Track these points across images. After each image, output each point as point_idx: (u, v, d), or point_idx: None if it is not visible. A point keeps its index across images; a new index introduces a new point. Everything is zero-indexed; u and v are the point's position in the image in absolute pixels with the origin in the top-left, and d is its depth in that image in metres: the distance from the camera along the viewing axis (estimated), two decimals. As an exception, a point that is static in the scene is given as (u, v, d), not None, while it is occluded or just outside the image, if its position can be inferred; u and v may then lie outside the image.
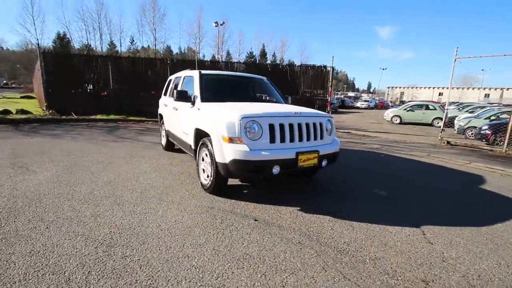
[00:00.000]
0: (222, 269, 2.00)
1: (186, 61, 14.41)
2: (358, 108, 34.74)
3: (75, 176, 3.95)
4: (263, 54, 55.90)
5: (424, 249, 2.40)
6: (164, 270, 1.96)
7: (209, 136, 3.32)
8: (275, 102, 4.47)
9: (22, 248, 2.14)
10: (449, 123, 16.12)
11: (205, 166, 3.53)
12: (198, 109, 3.72)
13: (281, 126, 3.09)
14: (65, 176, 3.96)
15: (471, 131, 11.80)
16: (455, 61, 9.30)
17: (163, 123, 5.94)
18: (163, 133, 6.02)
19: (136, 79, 12.44)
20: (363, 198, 3.60)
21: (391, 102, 44.60)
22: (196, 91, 4.01)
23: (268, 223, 2.76)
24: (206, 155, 3.46)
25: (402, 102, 46.65)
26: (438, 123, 16.52)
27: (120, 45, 52.22)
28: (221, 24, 27.09)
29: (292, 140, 3.14)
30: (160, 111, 5.96)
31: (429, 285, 1.93)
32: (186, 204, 3.14)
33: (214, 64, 14.67)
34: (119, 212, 2.86)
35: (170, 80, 5.81)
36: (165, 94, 6.08)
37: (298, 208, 3.15)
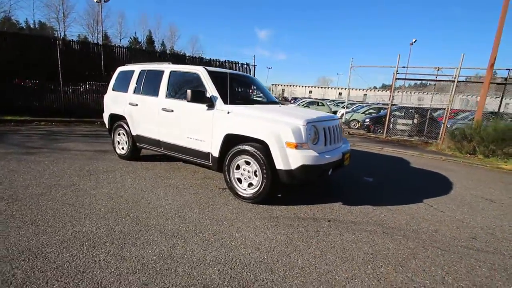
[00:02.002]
0: (373, 272, 2.09)
1: (86, 43, 11.28)
2: (254, 103, 37.62)
3: (47, 213, 2.72)
4: (151, 41, 50.53)
5: (445, 216, 3.28)
6: (332, 290, 1.86)
7: (257, 142, 3.10)
8: (276, 103, 4.52)
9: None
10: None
11: (245, 175, 3.25)
12: (228, 112, 3.33)
13: (328, 129, 3.28)
14: (28, 214, 2.65)
15: (354, 123, 15.40)
16: (351, 68, 11.87)
17: (120, 126, 4.74)
18: (120, 139, 4.83)
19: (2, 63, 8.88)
20: (365, 185, 4.32)
21: (276, 98, 50.65)
22: (212, 91, 3.53)
23: (340, 221, 2.94)
24: (248, 162, 3.20)
25: (284, 98, 54.03)
26: (325, 116, 20.53)
27: None
28: (105, 1, 22.51)
29: (334, 142, 3.40)
30: (118, 111, 4.68)
31: (477, 239, 2.74)
32: (248, 219, 2.84)
33: (84, 46, 10.99)
34: (192, 245, 2.30)
35: (131, 72, 4.67)
36: (116, 89, 4.87)
37: (340, 203, 3.47)
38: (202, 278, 1.90)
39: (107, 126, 5.10)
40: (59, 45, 9.73)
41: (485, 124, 7.38)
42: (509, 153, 6.54)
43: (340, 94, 57.12)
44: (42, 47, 9.72)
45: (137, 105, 4.37)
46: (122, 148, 4.85)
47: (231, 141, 3.34)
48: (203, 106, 3.53)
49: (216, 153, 3.43)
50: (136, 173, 4.15)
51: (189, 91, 3.37)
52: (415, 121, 11.44)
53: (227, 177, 3.37)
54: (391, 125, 11.54)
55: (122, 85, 4.78)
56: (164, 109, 3.95)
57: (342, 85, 65.38)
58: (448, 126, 10.75)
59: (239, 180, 3.33)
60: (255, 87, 4.73)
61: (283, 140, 2.91)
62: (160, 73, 4.20)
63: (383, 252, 2.39)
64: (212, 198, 3.35)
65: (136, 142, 4.55)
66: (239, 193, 3.30)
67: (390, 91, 11.58)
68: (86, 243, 2.25)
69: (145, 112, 4.28)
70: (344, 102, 26.25)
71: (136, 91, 4.48)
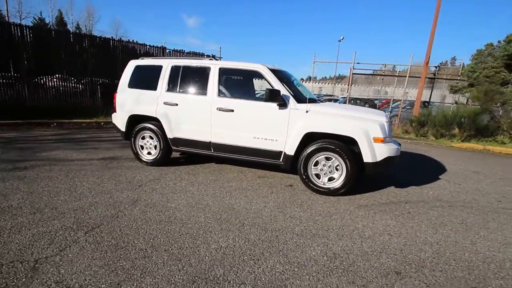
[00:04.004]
0: (479, 236, 2.62)
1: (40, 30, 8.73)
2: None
3: (155, 236, 2.38)
4: (62, 23, 42.21)
5: (466, 188, 4.14)
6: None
7: (338, 139, 3.31)
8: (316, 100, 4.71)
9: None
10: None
11: (325, 170, 3.43)
12: (307, 111, 3.40)
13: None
14: (134, 240, 2.27)
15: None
16: (314, 63, 12.85)
17: (145, 129, 4.19)
18: (145, 143, 4.29)
19: None
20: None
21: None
22: (283, 90, 3.51)
23: (413, 202, 3.44)
24: (328, 158, 3.39)
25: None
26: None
27: None
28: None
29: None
30: (147, 112, 4.08)
31: (501, 201, 3.64)
32: (349, 211, 3.06)
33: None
34: (339, 241, 2.41)
35: (156, 67, 4.14)
36: (135, 87, 4.29)
37: (392, 187, 3.99)
38: (387, 266, 2.08)
39: (122, 130, 4.40)
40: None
41: (433, 111, 9.21)
42: (452, 134, 8.41)
43: (276, 85, 59.87)
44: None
45: (177, 104, 3.94)
46: (149, 153, 4.31)
47: (306, 139, 3.45)
48: (274, 105, 3.50)
49: (291, 152, 3.49)
50: (186, 179, 3.81)
51: (267, 90, 3.30)
52: (367, 110, 13.28)
53: (305, 173, 3.48)
54: (348, 115, 13.08)
55: (144, 82, 4.21)
56: (220, 109, 3.72)
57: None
58: (388, 113, 12.82)
59: (317, 176, 3.49)
60: (296, 84, 4.81)
61: (371, 135, 3.21)
62: (205, 69, 3.89)
63: (467, 221, 2.98)
64: (294, 196, 3.42)
65: (171, 145, 4.13)
66: (318, 188, 3.46)
67: (348, 84, 13.05)
68: (246, 257, 2.12)
69: (190, 112, 3.91)
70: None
71: (171, 89, 4.03)
